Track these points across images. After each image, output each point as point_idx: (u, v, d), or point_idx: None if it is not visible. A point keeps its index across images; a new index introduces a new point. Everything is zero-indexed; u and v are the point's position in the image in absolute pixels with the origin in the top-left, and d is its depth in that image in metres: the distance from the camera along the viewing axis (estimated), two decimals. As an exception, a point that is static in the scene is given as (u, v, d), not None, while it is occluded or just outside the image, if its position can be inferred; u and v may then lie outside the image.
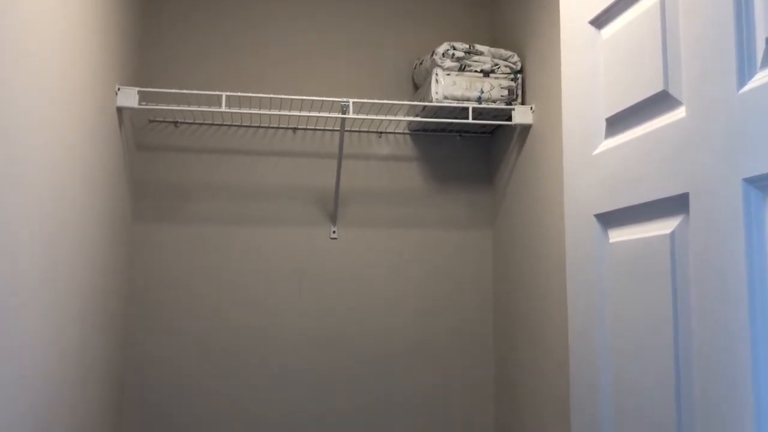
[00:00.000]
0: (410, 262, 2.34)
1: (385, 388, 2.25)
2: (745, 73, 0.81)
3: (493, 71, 2.07)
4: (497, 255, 2.34)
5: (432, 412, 2.26)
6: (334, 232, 2.33)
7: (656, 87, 0.98)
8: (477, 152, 2.44)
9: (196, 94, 2.04)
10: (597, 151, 1.16)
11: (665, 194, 0.94)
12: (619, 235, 1.09)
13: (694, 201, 0.88)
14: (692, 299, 0.88)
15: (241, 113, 1.99)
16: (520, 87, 2.09)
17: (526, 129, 2.08)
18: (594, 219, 1.16)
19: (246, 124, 2.28)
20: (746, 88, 0.80)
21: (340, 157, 2.15)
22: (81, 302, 1.54)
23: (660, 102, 0.98)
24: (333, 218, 2.32)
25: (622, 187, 1.06)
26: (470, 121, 2.05)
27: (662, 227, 0.96)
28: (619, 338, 1.06)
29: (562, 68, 1.29)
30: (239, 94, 1.95)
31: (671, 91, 0.95)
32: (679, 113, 0.93)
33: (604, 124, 1.15)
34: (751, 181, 0.78)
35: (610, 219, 1.12)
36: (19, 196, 1.12)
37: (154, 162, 2.22)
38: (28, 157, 1.17)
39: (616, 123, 1.11)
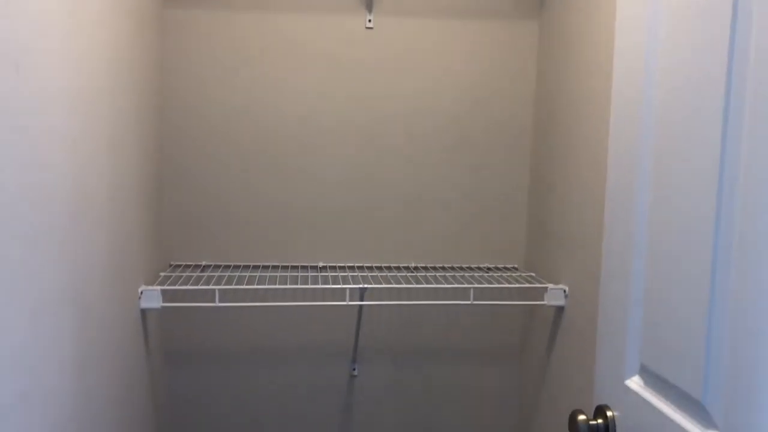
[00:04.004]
0: (450, 55, 2.23)
1: (420, 183, 2.25)
2: None
3: None
4: (542, 49, 2.20)
5: (465, 208, 2.28)
6: (369, 21, 2.20)
7: None
8: (528, -70, 2.20)
9: None
10: None
11: None
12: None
13: None
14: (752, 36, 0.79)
15: None
16: None
17: None
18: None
19: None
20: None
21: (376, -69, 1.96)
22: (108, 82, 1.51)
23: None
24: (369, 5, 2.18)
25: None
26: None
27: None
28: (667, 99, 0.98)
29: None
30: None
31: None
32: None
33: None
34: None
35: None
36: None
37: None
38: None
39: None
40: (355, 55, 2.20)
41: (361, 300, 1.98)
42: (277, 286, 1.90)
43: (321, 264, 2.21)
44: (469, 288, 1.96)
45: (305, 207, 2.21)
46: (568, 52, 1.97)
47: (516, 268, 2.29)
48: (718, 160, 0.84)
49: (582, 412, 1.14)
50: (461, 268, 2.26)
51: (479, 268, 2.27)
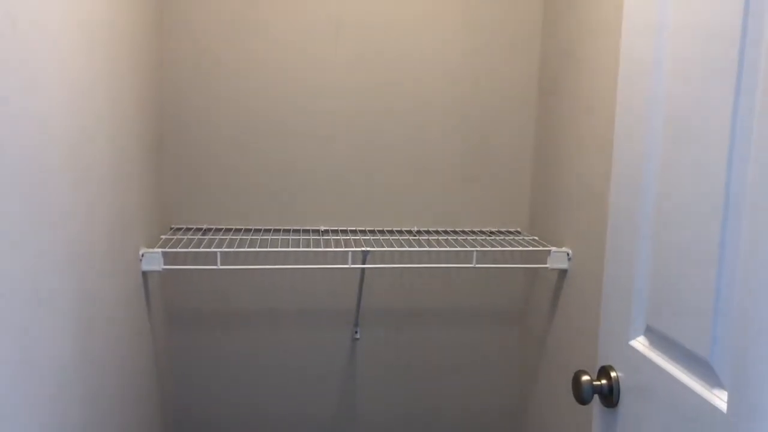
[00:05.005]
0: (454, 14, 2.18)
1: (422, 146, 2.22)
2: None
3: None
4: (548, 6, 2.15)
5: (468, 172, 2.26)
6: (372, -22, 2.15)
7: None
8: None
9: None
10: None
11: None
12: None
13: None
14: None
15: None
16: None
17: None
18: None
19: None
20: None
21: None
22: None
23: None
24: (371, -38, 2.12)
25: None
26: None
27: None
28: (679, 52, 0.95)
29: None
30: None
31: None
32: None
33: None
34: None
35: None
36: None
37: None
38: None
39: None
40: (357, 15, 2.14)
41: (364, 263, 1.97)
42: (279, 249, 1.89)
43: (323, 228, 2.20)
44: (472, 251, 1.95)
45: (307, 170, 2.19)
46: (574, 10, 1.92)
47: (519, 232, 2.28)
48: (731, 111, 0.82)
49: (586, 373, 1.14)
50: (464, 232, 2.25)
51: (482, 232, 2.26)
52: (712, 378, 0.85)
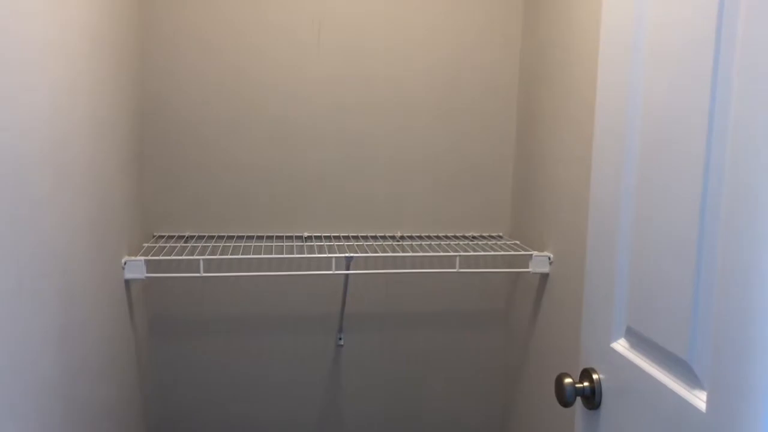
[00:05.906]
0: (434, 16, 2.19)
1: (405, 153, 2.23)
2: None
3: None
4: (528, 7, 2.18)
5: (450, 177, 2.27)
6: (353, -16, 2.16)
7: None
8: None
9: None
10: None
11: None
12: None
13: None
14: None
15: None
16: None
17: None
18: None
19: None
20: None
21: None
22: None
23: None
24: (352, -31, 2.14)
25: None
26: None
27: None
28: (659, 52, 0.98)
29: None
30: None
31: None
32: None
33: None
34: None
35: None
36: None
37: None
38: None
39: None
40: (338, 15, 2.15)
41: (347, 269, 1.97)
42: (263, 256, 1.89)
43: (306, 234, 2.20)
44: (455, 256, 1.96)
45: (290, 176, 2.19)
46: (554, 9, 1.94)
47: (501, 236, 2.30)
48: (708, 108, 0.84)
49: (568, 376, 1.15)
50: (447, 237, 2.26)
51: (464, 237, 2.27)
52: (691, 379, 0.87)
